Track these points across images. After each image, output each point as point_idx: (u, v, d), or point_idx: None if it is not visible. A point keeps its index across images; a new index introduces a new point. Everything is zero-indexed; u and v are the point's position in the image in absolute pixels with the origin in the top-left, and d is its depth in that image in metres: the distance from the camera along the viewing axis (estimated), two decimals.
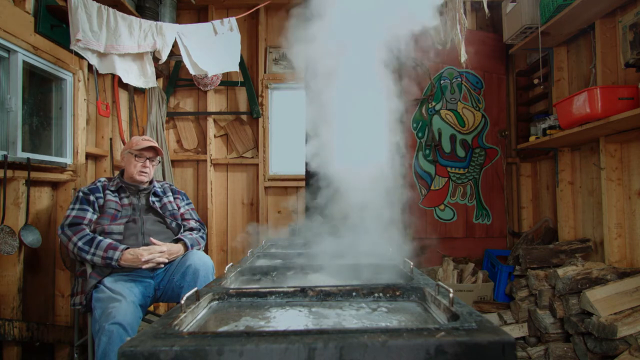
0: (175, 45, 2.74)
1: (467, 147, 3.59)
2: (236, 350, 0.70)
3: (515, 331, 2.68)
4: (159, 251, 1.96)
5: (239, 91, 3.68)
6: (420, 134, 3.57)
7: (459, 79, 3.59)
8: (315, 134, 2.05)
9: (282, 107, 3.77)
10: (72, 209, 2.02)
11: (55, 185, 2.53)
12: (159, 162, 2.31)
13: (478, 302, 3.09)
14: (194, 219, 2.31)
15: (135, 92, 3.35)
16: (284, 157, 3.74)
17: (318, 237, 1.88)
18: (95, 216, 2.03)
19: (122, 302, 1.70)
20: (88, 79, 2.79)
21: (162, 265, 1.99)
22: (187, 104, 3.71)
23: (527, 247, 2.97)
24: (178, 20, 3.45)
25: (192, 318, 0.94)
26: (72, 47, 2.32)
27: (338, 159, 2.07)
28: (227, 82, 3.65)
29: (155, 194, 2.23)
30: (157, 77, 3.37)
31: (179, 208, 2.29)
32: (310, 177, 2.11)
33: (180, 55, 2.78)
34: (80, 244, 1.89)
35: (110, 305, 1.67)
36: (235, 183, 3.69)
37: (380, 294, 1.09)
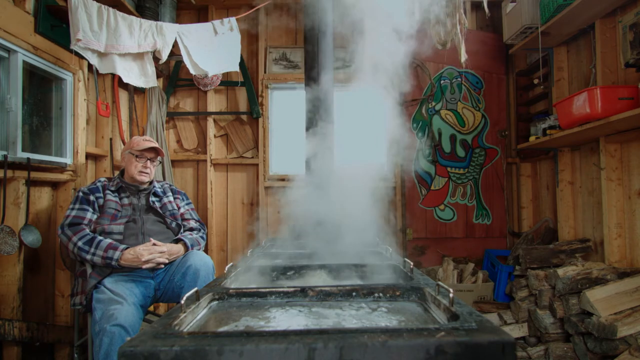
0: (175, 45, 2.74)
1: (467, 147, 3.59)
2: (236, 350, 0.70)
3: (515, 331, 2.68)
4: (159, 251, 1.96)
5: (239, 91, 3.68)
6: (420, 134, 3.57)
7: (459, 79, 3.59)
8: (314, 134, 2.05)
9: (282, 107, 3.76)
10: (72, 209, 2.02)
11: (55, 185, 2.53)
12: (160, 162, 2.31)
13: (478, 302, 3.09)
14: (194, 219, 2.31)
15: (135, 92, 3.35)
16: (284, 157, 3.74)
17: (318, 237, 1.89)
18: (95, 216, 2.03)
19: (123, 304, 1.70)
20: (88, 79, 2.79)
21: (162, 266, 1.99)
22: (187, 104, 3.71)
23: (527, 247, 2.97)
24: (178, 20, 3.45)
25: (192, 318, 0.94)
26: (72, 47, 2.32)
27: (338, 159, 2.07)
28: (227, 82, 3.65)
29: (155, 194, 2.23)
30: (157, 77, 3.37)
31: (179, 208, 2.29)
32: (310, 177, 2.12)
33: (181, 55, 2.77)
34: (80, 244, 1.89)
35: (112, 307, 1.67)
36: (235, 183, 3.69)
37: (380, 294, 1.09)
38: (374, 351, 0.70)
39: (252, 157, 3.64)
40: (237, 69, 3.01)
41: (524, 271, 2.86)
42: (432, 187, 3.54)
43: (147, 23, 2.60)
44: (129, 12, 2.83)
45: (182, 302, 0.91)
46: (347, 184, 1.88)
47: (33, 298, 2.35)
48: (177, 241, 2.11)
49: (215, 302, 1.07)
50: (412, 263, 1.30)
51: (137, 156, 2.15)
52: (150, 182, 2.25)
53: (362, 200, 1.83)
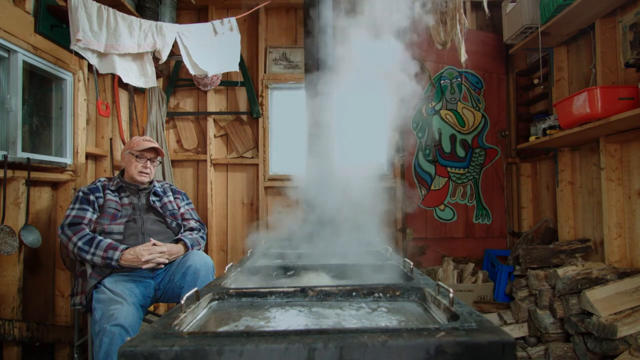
0: (175, 45, 2.74)
1: (467, 147, 3.59)
2: (236, 350, 0.70)
3: (515, 331, 2.68)
4: (159, 251, 1.96)
5: (239, 91, 3.68)
6: (420, 134, 3.57)
7: (459, 79, 3.59)
8: (315, 134, 2.05)
9: (282, 107, 3.77)
10: (72, 208, 2.01)
11: (55, 185, 2.53)
12: (160, 162, 2.31)
13: (478, 302, 3.09)
14: (194, 219, 2.31)
15: (135, 92, 3.35)
16: (284, 157, 3.74)
17: (317, 237, 1.89)
18: (95, 216, 2.02)
19: (123, 304, 1.70)
20: (88, 79, 2.79)
21: (162, 266, 1.99)
22: (187, 104, 3.71)
23: (527, 247, 2.97)
24: (178, 20, 3.45)
25: (192, 318, 0.94)
26: (72, 47, 2.32)
27: (338, 159, 2.07)
28: (227, 82, 3.65)
29: (155, 194, 2.23)
30: (157, 77, 3.37)
31: (179, 208, 2.29)
32: (309, 177, 2.12)
33: (180, 55, 2.77)
34: (80, 244, 1.89)
35: (112, 307, 1.67)
36: (235, 183, 3.69)
37: (380, 294, 1.09)
38: (374, 351, 0.70)
39: (252, 157, 3.64)
40: (237, 69, 3.01)
41: (524, 271, 2.86)
42: (432, 187, 3.54)
43: (147, 23, 2.60)
44: (129, 12, 2.83)
45: (182, 302, 0.91)
46: (347, 183, 1.89)
47: (33, 298, 2.35)
48: (177, 241, 2.11)
49: (215, 302, 1.07)
50: (412, 263, 1.30)
51: (137, 156, 2.15)
52: (151, 182, 2.25)
53: (362, 200, 1.83)
